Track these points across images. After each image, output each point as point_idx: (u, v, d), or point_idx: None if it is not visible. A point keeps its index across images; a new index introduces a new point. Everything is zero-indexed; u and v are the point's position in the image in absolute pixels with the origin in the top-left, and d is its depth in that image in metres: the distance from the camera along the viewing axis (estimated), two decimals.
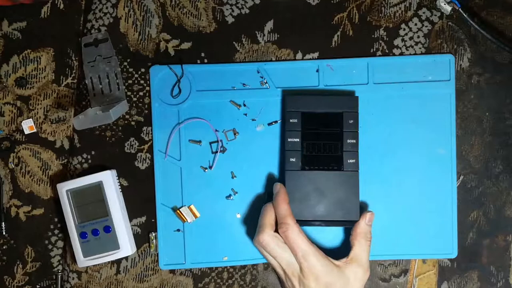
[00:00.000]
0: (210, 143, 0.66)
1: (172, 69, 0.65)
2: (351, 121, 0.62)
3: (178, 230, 0.66)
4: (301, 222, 0.61)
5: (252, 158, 0.66)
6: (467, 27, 0.65)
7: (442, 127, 0.65)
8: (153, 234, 0.66)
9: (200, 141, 0.65)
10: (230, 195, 0.65)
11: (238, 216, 0.66)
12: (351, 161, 0.62)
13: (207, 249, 0.66)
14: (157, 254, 0.66)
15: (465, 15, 0.63)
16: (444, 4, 0.64)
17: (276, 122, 0.65)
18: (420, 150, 0.65)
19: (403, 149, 0.65)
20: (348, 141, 0.62)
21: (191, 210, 0.65)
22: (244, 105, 0.65)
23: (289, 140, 0.62)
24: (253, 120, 0.65)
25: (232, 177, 0.65)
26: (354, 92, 0.65)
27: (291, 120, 0.62)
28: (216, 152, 0.65)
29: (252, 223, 0.65)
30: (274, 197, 0.61)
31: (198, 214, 0.65)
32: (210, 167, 0.65)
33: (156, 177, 0.66)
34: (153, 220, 0.66)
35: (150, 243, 0.66)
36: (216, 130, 0.65)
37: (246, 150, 0.66)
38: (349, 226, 0.62)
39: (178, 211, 0.65)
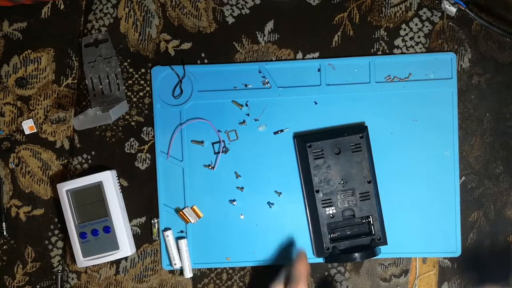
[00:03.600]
0: (213, 143, 0.63)
1: (174, 69, 0.63)
2: None
3: (182, 231, 0.64)
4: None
5: (255, 158, 0.63)
6: (468, 27, 0.63)
7: (444, 126, 0.63)
8: (155, 220, 0.64)
9: (202, 142, 0.63)
10: (234, 200, 0.63)
11: (242, 217, 0.64)
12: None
13: (210, 250, 0.64)
14: (159, 253, 0.64)
15: (471, 13, 0.61)
16: (449, 6, 0.61)
17: (282, 131, 0.63)
18: (422, 148, 0.63)
19: (405, 147, 0.63)
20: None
21: (194, 210, 0.63)
22: (246, 105, 0.63)
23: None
24: (255, 120, 0.63)
25: (237, 177, 0.63)
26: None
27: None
28: (218, 152, 0.63)
29: (255, 224, 0.63)
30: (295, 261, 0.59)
31: (201, 214, 0.63)
32: (213, 168, 0.63)
33: (159, 178, 0.64)
34: (152, 221, 0.64)
35: (152, 228, 0.64)
36: (219, 131, 0.63)
37: (249, 150, 0.63)
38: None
39: (181, 212, 0.63)
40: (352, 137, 0.61)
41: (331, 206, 0.62)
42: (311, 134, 0.63)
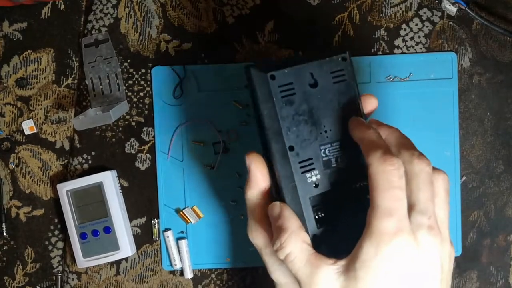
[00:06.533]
0: (213, 143, 0.62)
1: (174, 70, 0.62)
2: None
3: (182, 232, 0.62)
4: None
5: None
6: (468, 26, 0.62)
7: (445, 125, 0.62)
8: (156, 221, 0.62)
9: (202, 142, 0.62)
10: (234, 200, 0.62)
11: (242, 217, 0.62)
12: None
13: (210, 250, 0.62)
14: (160, 254, 0.63)
15: (472, 13, 0.59)
16: (449, 6, 0.60)
17: None
18: (423, 148, 0.60)
19: None
20: None
21: (194, 211, 0.62)
22: (247, 105, 0.62)
23: None
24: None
25: (237, 177, 0.62)
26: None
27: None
28: (219, 152, 0.62)
29: None
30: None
31: (201, 215, 0.62)
32: (213, 168, 0.62)
33: (159, 179, 0.62)
34: (153, 222, 0.62)
35: (153, 229, 0.62)
36: (219, 131, 0.62)
37: (249, 150, 0.62)
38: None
39: (181, 212, 0.62)
40: (330, 60, 0.40)
41: (313, 169, 0.39)
42: (272, 61, 0.44)
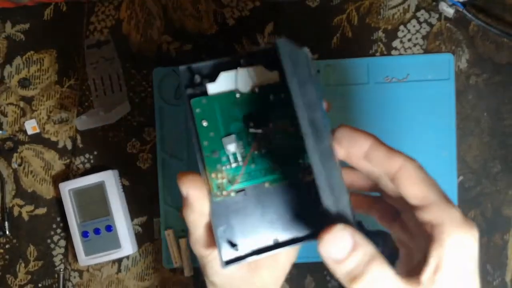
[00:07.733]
0: None
1: (176, 71, 0.62)
2: None
3: (183, 230, 0.62)
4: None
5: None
6: (465, 28, 0.62)
7: (442, 126, 0.62)
8: (157, 219, 0.62)
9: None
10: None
11: None
12: None
13: None
14: (161, 252, 0.63)
15: (469, 14, 0.60)
16: (446, 7, 0.61)
17: None
18: (420, 148, 0.62)
19: (403, 148, 0.59)
20: None
21: None
22: None
23: None
24: None
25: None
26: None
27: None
28: None
29: None
30: None
31: None
32: None
33: (160, 178, 0.62)
34: (154, 220, 0.63)
35: (154, 227, 0.63)
36: None
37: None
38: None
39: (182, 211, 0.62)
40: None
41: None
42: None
